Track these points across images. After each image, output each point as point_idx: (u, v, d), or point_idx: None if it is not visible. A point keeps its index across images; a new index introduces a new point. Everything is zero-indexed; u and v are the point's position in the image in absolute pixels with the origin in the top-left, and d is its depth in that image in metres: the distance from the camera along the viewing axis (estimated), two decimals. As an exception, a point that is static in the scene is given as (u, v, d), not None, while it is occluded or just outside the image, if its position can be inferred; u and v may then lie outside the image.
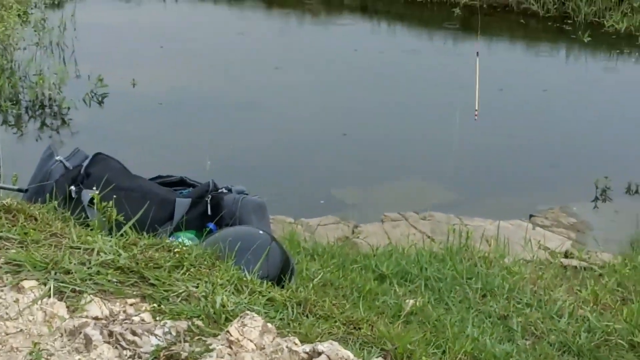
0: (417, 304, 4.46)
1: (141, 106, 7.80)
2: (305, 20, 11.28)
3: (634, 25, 9.91)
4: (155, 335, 2.33)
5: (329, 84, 9.45)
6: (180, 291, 2.65)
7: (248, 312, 2.19)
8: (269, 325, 2.17)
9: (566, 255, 5.86)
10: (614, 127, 8.57)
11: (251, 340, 2.09)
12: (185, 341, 2.34)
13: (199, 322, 2.46)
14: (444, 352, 3.96)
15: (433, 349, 3.68)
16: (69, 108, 7.67)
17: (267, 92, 9.10)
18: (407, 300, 4.45)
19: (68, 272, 2.62)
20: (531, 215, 6.52)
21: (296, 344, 2.10)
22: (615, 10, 10.52)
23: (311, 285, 3.52)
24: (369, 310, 3.99)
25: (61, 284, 2.57)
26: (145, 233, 3.49)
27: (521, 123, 8.81)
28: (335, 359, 1.97)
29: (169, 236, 3.90)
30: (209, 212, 4.07)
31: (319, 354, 2.00)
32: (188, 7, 10.60)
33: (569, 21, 10.88)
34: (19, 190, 3.99)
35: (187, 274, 2.82)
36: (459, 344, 3.93)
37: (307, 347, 2.05)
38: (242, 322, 2.14)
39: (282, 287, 3.61)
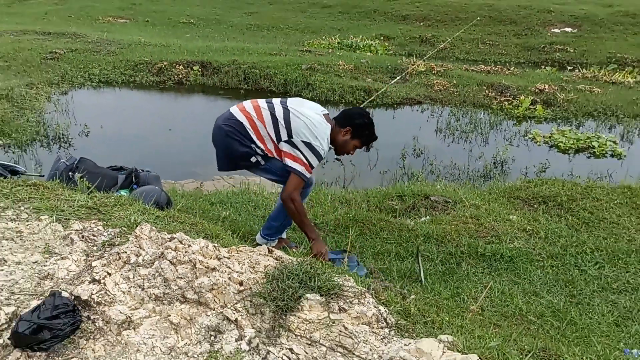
0: (227, 213, 4.40)
1: (105, 136, 7.32)
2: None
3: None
4: (104, 235, 2.25)
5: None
6: (117, 216, 2.56)
7: (144, 223, 2.15)
8: (154, 227, 2.14)
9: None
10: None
11: (145, 235, 2.05)
12: (118, 237, 2.27)
13: (125, 228, 2.39)
14: (239, 234, 3.90)
15: (230, 233, 3.62)
16: (71, 139, 7.09)
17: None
18: (223, 213, 4.39)
19: (62, 210, 2.49)
20: None
21: (166, 234, 2.09)
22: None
23: (176, 208, 3.44)
24: (204, 217, 3.90)
25: (59, 216, 2.44)
26: (102, 191, 3.33)
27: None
28: (181, 238, 1.97)
29: (116, 192, 3.74)
30: (134, 180, 3.92)
31: (174, 238, 1.99)
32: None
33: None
34: (40, 175, 3.74)
35: (120, 208, 2.72)
36: (245, 229, 3.93)
37: (169, 236, 2.03)
38: (141, 227, 2.11)
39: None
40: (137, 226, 2.27)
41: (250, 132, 3.06)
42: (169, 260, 1.85)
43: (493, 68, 11.47)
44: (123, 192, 3.68)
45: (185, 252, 1.87)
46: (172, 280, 1.79)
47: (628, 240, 4.15)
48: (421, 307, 2.08)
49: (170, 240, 1.95)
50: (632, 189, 4.99)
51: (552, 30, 16.31)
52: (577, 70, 11.59)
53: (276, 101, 3.17)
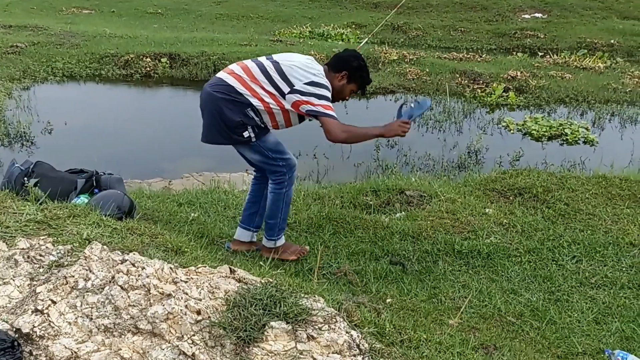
0: (196, 215, 4.21)
1: (70, 133, 7.03)
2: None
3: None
4: (52, 254, 2.05)
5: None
6: (69, 231, 2.35)
7: (94, 242, 1.95)
8: (104, 246, 1.94)
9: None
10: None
11: (96, 255, 1.86)
12: (67, 255, 2.07)
13: (76, 245, 2.18)
14: (207, 237, 3.73)
15: (197, 239, 3.43)
16: (33, 137, 6.74)
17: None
18: (190, 214, 4.19)
19: (8, 226, 2.28)
20: (247, 169, 6.26)
21: (117, 255, 1.88)
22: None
23: (141, 212, 3.22)
24: (171, 220, 3.69)
25: (4, 233, 2.22)
26: (57, 200, 3.11)
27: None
28: (133, 260, 1.79)
29: (75, 197, 3.52)
30: (94, 184, 3.68)
31: (126, 260, 1.80)
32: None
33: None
34: (-14, 186, 3.49)
35: (74, 220, 2.50)
36: (214, 232, 3.73)
37: (121, 257, 1.84)
38: (91, 246, 1.91)
39: (132, 216, 3.31)
40: (90, 242, 2.07)
41: (244, 94, 2.92)
42: (120, 285, 1.67)
43: (465, 55, 11.36)
44: (83, 198, 3.47)
45: (139, 275, 1.69)
46: (124, 309, 1.61)
47: (605, 232, 4.08)
48: (397, 323, 1.94)
49: (121, 263, 1.76)
50: (607, 178, 4.92)
51: (523, 15, 16.29)
52: (548, 56, 11.56)
53: (262, 58, 3.06)
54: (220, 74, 3.06)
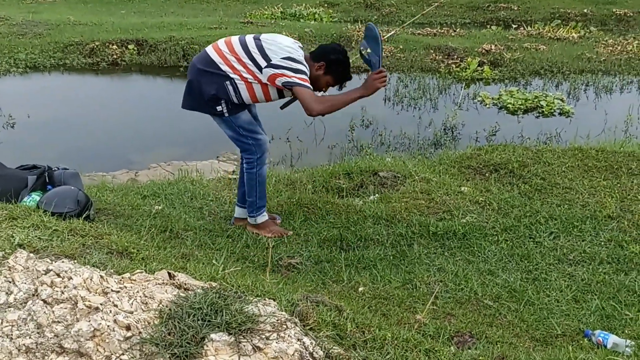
0: (160, 208, 4.00)
1: (33, 126, 6.72)
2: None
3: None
4: (-22, 263, 1.82)
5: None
6: (2, 235, 2.12)
7: (19, 250, 1.73)
8: (32, 254, 1.73)
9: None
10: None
11: (21, 265, 1.65)
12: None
13: (8, 252, 1.96)
14: (171, 231, 3.54)
15: (160, 233, 3.21)
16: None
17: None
18: (154, 206, 3.97)
19: None
20: (217, 156, 6.01)
21: (44, 263, 1.67)
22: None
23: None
24: (130, 219, 3.46)
25: None
26: (10, 199, 2.92)
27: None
28: (58, 270, 1.58)
29: (27, 196, 3.30)
30: (47, 181, 3.46)
31: (50, 270, 1.59)
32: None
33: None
34: None
35: (10, 223, 2.27)
36: (179, 225, 3.55)
37: (45, 266, 1.63)
38: (15, 255, 1.69)
39: (88, 216, 3.09)
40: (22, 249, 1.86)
41: (222, 67, 3.02)
42: (43, 299, 1.47)
43: (439, 30, 11.15)
44: (35, 196, 3.24)
45: (65, 287, 1.49)
46: (47, 326, 1.42)
47: (582, 205, 3.95)
48: (360, 322, 1.76)
49: (45, 274, 1.56)
50: (582, 150, 4.79)
51: (496, -12, 16.05)
52: (522, 28, 11.40)
53: (248, 35, 3.15)
54: (207, 48, 3.16)
